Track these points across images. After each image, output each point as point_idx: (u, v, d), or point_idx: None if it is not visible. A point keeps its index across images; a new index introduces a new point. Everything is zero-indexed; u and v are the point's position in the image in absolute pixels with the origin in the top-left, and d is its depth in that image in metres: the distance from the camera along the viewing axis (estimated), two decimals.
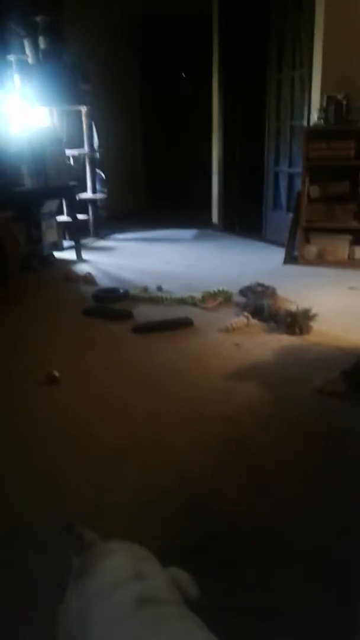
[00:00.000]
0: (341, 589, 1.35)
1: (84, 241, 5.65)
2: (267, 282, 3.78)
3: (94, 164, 6.01)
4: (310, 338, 3.03)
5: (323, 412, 2.23)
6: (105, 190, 6.30)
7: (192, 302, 3.66)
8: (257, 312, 3.32)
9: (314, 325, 3.14)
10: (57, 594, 1.08)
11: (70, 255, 5.25)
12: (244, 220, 6.43)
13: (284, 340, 3.01)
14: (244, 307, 3.45)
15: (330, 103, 4.52)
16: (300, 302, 3.36)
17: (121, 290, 3.87)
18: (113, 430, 2.11)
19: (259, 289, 3.65)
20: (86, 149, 5.90)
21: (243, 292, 3.71)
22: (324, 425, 2.14)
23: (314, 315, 3.17)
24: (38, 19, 5.32)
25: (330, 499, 1.70)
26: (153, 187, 8.26)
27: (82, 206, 5.92)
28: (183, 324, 3.26)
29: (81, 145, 5.90)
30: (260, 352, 2.86)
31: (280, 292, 3.69)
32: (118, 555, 1.07)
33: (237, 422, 2.16)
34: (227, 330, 3.15)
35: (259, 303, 3.40)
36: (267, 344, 2.97)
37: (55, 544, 1.49)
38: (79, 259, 5.16)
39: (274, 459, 1.92)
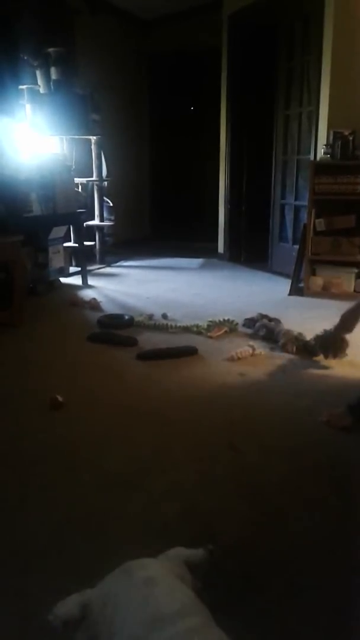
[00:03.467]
0: (345, 625, 1.31)
1: (90, 267, 5.69)
2: (272, 313, 3.78)
3: (102, 192, 6.09)
4: (316, 371, 3.01)
5: (328, 445, 2.20)
6: (113, 218, 6.37)
7: (197, 330, 3.66)
8: (270, 337, 3.35)
9: (318, 357, 3.13)
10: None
11: (76, 281, 5.28)
12: (250, 250, 6.48)
13: (289, 370, 3.00)
14: (256, 331, 3.46)
15: (337, 139, 4.59)
16: (305, 333, 3.35)
17: (126, 317, 3.87)
18: (116, 458, 2.09)
19: (265, 320, 3.64)
20: (95, 177, 5.99)
21: (247, 324, 3.71)
22: (329, 458, 2.11)
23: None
24: (50, 50, 5.46)
25: (335, 533, 1.67)
26: (160, 216, 8.36)
27: (89, 233, 5.98)
28: (188, 353, 3.25)
29: (90, 174, 5.99)
30: (265, 383, 2.85)
31: (284, 323, 3.69)
32: (123, 601, 1.04)
33: (242, 452, 2.14)
34: (232, 359, 3.14)
35: (275, 330, 3.41)
36: (272, 374, 2.96)
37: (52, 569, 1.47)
38: (85, 284, 5.19)
39: (278, 491, 1.89)
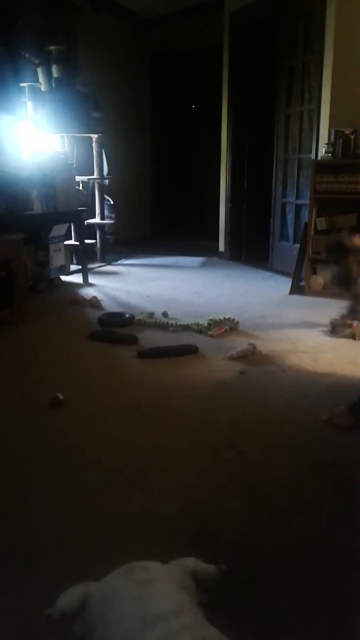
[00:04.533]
0: (345, 624, 1.32)
1: (90, 266, 5.69)
2: (273, 312, 3.78)
3: (102, 190, 6.09)
4: (317, 369, 3.02)
5: (329, 444, 2.20)
6: (113, 216, 6.37)
7: (197, 329, 3.66)
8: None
9: (321, 357, 3.14)
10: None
11: (77, 279, 5.28)
12: (250, 249, 6.47)
13: (289, 369, 3.00)
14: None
15: (338, 138, 4.59)
16: (305, 332, 3.36)
17: (127, 315, 3.87)
18: (117, 455, 2.09)
19: None
20: (96, 175, 5.98)
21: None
22: (330, 457, 2.12)
23: None
24: (52, 48, 5.46)
25: (335, 531, 1.67)
26: (160, 214, 8.35)
27: (90, 231, 5.98)
28: (188, 351, 3.25)
29: (91, 172, 5.99)
30: (265, 381, 2.85)
31: (286, 321, 3.68)
32: (120, 598, 1.05)
33: (242, 451, 2.14)
34: (232, 358, 3.14)
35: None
36: (272, 373, 2.96)
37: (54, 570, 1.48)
38: (86, 283, 5.19)
39: (279, 490, 1.89)
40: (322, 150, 4.80)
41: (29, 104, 5.30)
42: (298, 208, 5.41)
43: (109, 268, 6.07)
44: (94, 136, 5.87)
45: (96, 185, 6.05)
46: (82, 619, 1.07)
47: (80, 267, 5.35)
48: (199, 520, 1.72)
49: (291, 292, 4.84)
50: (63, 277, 5.20)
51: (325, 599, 1.41)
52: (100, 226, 6.14)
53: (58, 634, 1.16)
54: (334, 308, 4.28)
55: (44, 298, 4.63)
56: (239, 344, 3.32)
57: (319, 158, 4.83)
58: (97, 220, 6.07)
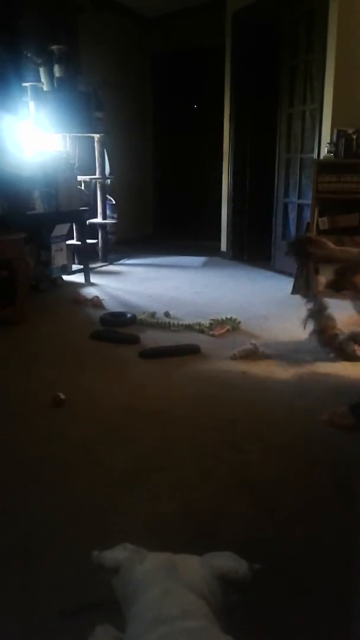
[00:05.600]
0: (346, 625, 1.31)
1: (92, 265, 5.69)
2: (275, 312, 3.77)
3: (104, 190, 6.09)
4: (318, 369, 3.01)
5: (330, 444, 2.20)
6: (115, 216, 6.37)
7: (199, 328, 3.66)
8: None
9: (320, 356, 3.13)
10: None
11: (78, 278, 5.28)
12: (252, 249, 6.47)
13: (291, 369, 3.00)
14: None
15: (340, 137, 4.58)
16: (307, 332, 3.34)
17: (129, 315, 3.87)
18: (118, 455, 2.09)
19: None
20: (97, 175, 5.98)
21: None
22: (331, 457, 2.11)
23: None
24: (54, 47, 5.46)
25: (336, 532, 1.66)
26: (162, 214, 8.35)
27: (92, 231, 5.98)
28: (190, 351, 3.25)
29: (93, 172, 5.99)
30: (267, 382, 2.85)
31: (287, 321, 3.68)
32: (147, 595, 1.06)
33: (243, 450, 2.14)
34: (234, 358, 3.14)
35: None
36: (274, 373, 2.95)
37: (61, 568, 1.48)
38: (87, 282, 5.19)
39: (280, 489, 1.89)
40: (324, 150, 4.79)
41: (31, 104, 5.31)
42: (300, 208, 5.41)
43: (110, 268, 6.07)
44: (96, 136, 5.87)
45: (98, 185, 6.04)
46: (117, 580, 1.12)
47: (82, 266, 5.35)
48: (200, 520, 1.71)
49: (293, 292, 4.82)
50: (65, 277, 5.20)
51: (326, 599, 1.41)
52: (102, 226, 6.14)
53: (59, 633, 1.16)
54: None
55: (45, 298, 4.63)
56: (241, 343, 3.31)
57: (321, 158, 4.82)
58: (99, 219, 6.07)
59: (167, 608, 1.01)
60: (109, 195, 6.27)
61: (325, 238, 4.64)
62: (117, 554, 1.16)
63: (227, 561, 1.19)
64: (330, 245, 2.96)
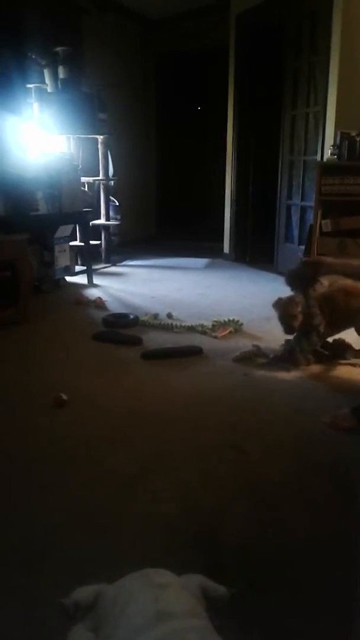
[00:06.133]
0: (347, 625, 1.31)
1: (95, 266, 5.69)
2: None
3: (108, 191, 6.10)
4: (320, 371, 3.01)
5: (332, 446, 2.20)
6: (118, 217, 6.38)
7: (202, 330, 3.66)
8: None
9: (323, 358, 3.13)
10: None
11: (81, 279, 5.29)
12: (255, 251, 6.47)
13: (293, 371, 2.99)
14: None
15: (343, 140, 4.58)
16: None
17: (131, 316, 3.88)
18: (120, 456, 2.09)
19: None
20: (101, 176, 6.00)
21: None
22: (332, 459, 2.11)
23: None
24: (58, 49, 5.47)
25: (338, 534, 1.66)
26: (166, 216, 8.36)
27: (95, 232, 5.99)
28: (192, 352, 3.25)
29: (96, 173, 6.00)
30: (269, 383, 2.85)
31: None
32: (135, 597, 1.07)
33: (245, 452, 2.14)
34: (236, 359, 3.14)
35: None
36: (276, 375, 2.95)
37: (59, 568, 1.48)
38: (90, 283, 5.20)
39: (281, 491, 1.89)
40: (327, 152, 4.79)
41: (35, 105, 5.31)
42: (303, 210, 5.41)
43: (113, 269, 6.08)
44: (100, 137, 5.88)
45: (101, 187, 6.06)
46: (94, 614, 1.10)
47: (85, 267, 5.36)
48: (201, 521, 1.71)
49: None
50: (68, 278, 5.21)
51: (327, 600, 1.41)
52: (105, 227, 6.15)
53: (59, 632, 1.16)
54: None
55: (48, 298, 4.64)
56: (244, 345, 3.32)
57: (324, 160, 4.82)
58: (102, 221, 6.08)
59: (166, 606, 1.01)
60: (112, 196, 6.28)
61: (328, 240, 4.67)
62: (89, 589, 1.15)
63: (205, 579, 1.21)
64: (329, 260, 2.98)
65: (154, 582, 1.10)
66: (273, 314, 3.80)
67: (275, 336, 3.58)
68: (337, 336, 3.21)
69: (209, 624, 1.04)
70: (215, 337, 3.55)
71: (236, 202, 6.50)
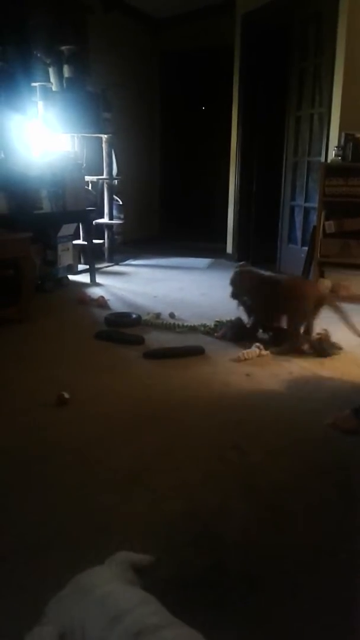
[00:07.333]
0: (347, 626, 1.31)
1: (98, 265, 5.70)
2: None
3: (111, 190, 6.10)
4: (323, 372, 3.01)
5: (333, 447, 2.20)
6: (122, 216, 6.38)
7: (204, 330, 3.66)
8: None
9: (328, 360, 3.13)
10: None
11: (84, 278, 5.29)
12: (258, 251, 6.46)
13: (295, 372, 2.99)
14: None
15: (348, 141, 4.58)
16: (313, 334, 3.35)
17: (134, 316, 3.88)
18: (121, 455, 2.09)
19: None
20: (105, 175, 6.00)
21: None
22: (334, 460, 2.11)
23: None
24: (63, 48, 5.48)
25: (338, 534, 1.66)
26: (169, 216, 8.37)
27: (98, 231, 5.99)
28: (194, 352, 3.25)
29: (100, 172, 6.00)
30: (271, 384, 2.84)
31: None
32: (87, 621, 1.07)
33: (246, 453, 2.13)
34: (238, 360, 3.14)
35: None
36: (278, 375, 2.95)
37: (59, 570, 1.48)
38: (93, 282, 5.20)
39: (282, 492, 1.88)
40: (332, 153, 4.78)
41: (40, 104, 5.33)
42: (307, 211, 5.41)
43: (116, 268, 6.08)
44: (104, 136, 5.89)
45: (105, 186, 6.06)
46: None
47: (87, 266, 5.36)
48: (202, 520, 1.71)
49: None
50: (70, 277, 5.21)
51: (328, 601, 1.40)
52: (109, 226, 6.15)
53: None
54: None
55: (51, 297, 4.64)
56: (246, 346, 3.31)
57: (328, 161, 4.82)
58: (105, 220, 6.09)
59: (117, 608, 1.04)
60: (116, 195, 6.28)
61: (331, 242, 4.67)
62: (48, 633, 1.11)
63: (129, 555, 1.29)
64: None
65: (96, 596, 1.10)
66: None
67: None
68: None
69: (158, 605, 1.08)
70: (218, 338, 3.55)
71: (240, 203, 6.49)
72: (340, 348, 3.30)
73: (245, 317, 3.63)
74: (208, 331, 3.63)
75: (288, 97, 5.55)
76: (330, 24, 4.80)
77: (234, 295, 3.62)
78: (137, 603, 1.06)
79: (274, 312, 3.42)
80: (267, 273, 3.76)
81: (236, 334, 3.52)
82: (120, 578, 1.16)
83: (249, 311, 3.60)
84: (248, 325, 3.58)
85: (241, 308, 3.64)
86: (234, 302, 3.67)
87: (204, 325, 3.69)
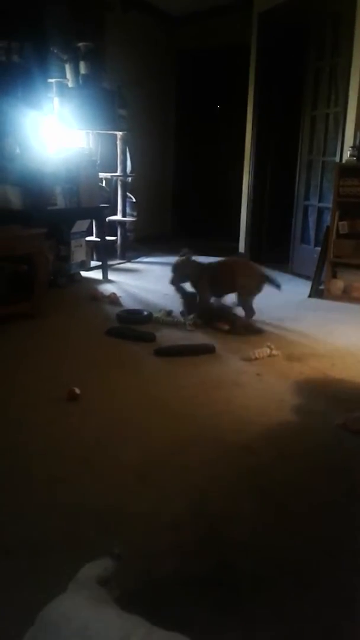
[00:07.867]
0: (353, 626, 1.31)
1: (110, 262, 5.71)
2: (291, 314, 3.77)
3: (125, 187, 6.11)
4: (333, 373, 3.00)
5: (343, 448, 2.20)
6: (135, 213, 6.39)
7: (161, 318, 3.74)
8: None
9: (339, 361, 3.12)
10: None
11: (96, 275, 5.31)
12: (271, 251, 6.44)
13: (306, 373, 2.99)
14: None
15: None
16: (323, 336, 3.34)
17: (145, 313, 3.89)
18: (130, 452, 2.11)
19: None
20: (119, 172, 6.01)
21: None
22: (343, 461, 2.11)
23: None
24: (80, 44, 5.49)
25: (346, 535, 1.66)
26: (182, 214, 8.35)
27: (111, 228, 6.01)
28: (205, 350, 3.26)
29: (114, 169, 6.01)
30: (281, 384, 2.84)
31: (304, 324, 3.67)
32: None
33: (256, 452, 2.14)
34: (249, 359, 3.14)
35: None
36: (289, 375, 2.95)
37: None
38: (105, 279, 5.22)
39: (291, 492, 1.89)
40: (347, 154, 4.75)
41: (56, 100, 5.34)
42: (320, 211, 5.38)
43: (128, 265, 6.10)
44: (119, 133, 5.89)
45: (119, 183, 6.07)
46: None
47: (100, 263, 5.38)
48: (209, 520, 1.72)
49: (310, 296, 4.81)
50: (83, 273, 5.23)
51: (334, 601, 1.41)
52: (122, 223, 6.17)
53: None
54: (354, 314, 4.25)
55: (63, 293, 4.67)
56: (257, 345, 3.31)
57: (343, 161, 4.79)
58: (118, 217, 6.10)
59: (98, 634, 1.01)
60: (130, 193, 6.29)
61: (344, 242, 4.64)
62: None
63: (92, 569, 1.21)
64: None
65: (71, 631, 1.04)
66: (287, 315, 3.81)
67: (288, 337, 3.58)
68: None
69: (144, 624, 1.04)
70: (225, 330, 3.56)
71: (253, 202, 6.48)
72: (261, 331, 3.65)
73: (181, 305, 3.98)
74: (163, 319, 3.84)
75: (303, 96, 5.52)
76: (348, 24, 4.77)
77: (174, 281, 3.91)
78: (117, 627, 1.02)
79: (222, 290, 3.92)
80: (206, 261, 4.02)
81: (190, 306, 3.91)
82: (90, 602, 1.11)
83: (185, 297, 3.97)
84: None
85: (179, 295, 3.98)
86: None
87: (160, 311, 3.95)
